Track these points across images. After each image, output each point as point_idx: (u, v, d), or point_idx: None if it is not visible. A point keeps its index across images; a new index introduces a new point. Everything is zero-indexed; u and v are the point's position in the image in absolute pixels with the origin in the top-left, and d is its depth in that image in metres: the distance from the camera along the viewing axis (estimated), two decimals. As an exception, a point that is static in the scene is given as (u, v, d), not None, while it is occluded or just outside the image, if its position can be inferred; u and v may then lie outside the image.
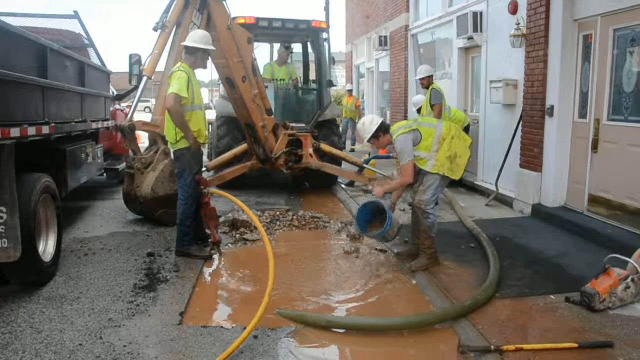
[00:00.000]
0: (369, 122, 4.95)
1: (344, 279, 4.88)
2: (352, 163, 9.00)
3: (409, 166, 4.81)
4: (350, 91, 16.29)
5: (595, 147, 6.06)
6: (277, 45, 10.64)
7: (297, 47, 10.78)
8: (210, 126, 9.28)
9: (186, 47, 5.23)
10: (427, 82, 7.69)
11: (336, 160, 8.88)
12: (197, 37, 5.23)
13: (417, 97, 8.55)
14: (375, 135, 4.91)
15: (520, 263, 5.06)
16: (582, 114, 6.35)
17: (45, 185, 4.51)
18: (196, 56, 5.23)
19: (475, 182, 8.78)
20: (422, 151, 4.84)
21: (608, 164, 5.90)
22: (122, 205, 6.86)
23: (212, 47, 5.38)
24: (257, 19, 8.49)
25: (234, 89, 7.11)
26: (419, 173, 4.99)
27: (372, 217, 5.21)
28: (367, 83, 17.42)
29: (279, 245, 5.84)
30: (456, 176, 4.94)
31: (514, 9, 7.48)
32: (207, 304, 4.33)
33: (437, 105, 7.42)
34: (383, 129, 4.92)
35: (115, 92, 8.90)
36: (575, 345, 3.38)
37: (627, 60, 5.66)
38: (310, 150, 8.38)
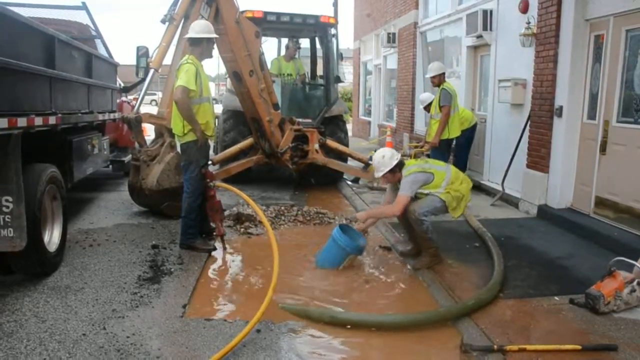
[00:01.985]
0: (389, 157, 4.89)
1: (348, 275, 4.87)
2: (358, 160, 8.98)
3: (405, 200, 4.78)
4: None
5: (603, 149, 6.01)
6: (285, 40, 10.62)
7: (305, 42, 10.75)
8: (216, 120, 9.28)
9: (190, 39, 5.23)
10: (438, 81, 7.41)
11: (342, 157, 8.87)
12: (199, 28, 5.23)
13: (425, 95, 8.48)
14: (392, 171, 4.88)
15: (525, 264, 5.04)
16: (591, 116, 6.30)
17: (51, 176, 4.52)
18: (201, 47, 5.24)
19: (481, 182, 8.74)
20: (432, 189, 4.87)
21: (616, 166, 5.86)
22: (127, 197, 6.88)
23: (215, 35, 5.38)
24: (266, 13, 8.48)
25: (241, 83, 7.11)
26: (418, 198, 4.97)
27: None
28: (375, 80, 17.37)
29: (283, 240, 5.83)
30: (455, 215, 4.97)
31: (524, 8, 7.41)
32: (211, 297, 4.32)
33: (445, 107, 7.24)
34: (400, 165, 4.91)
35: (122, 84, 8.91)
36: (579, 347, 3.36)
37: (638, 62, 5.60)
38: (316, 146, 8.37)
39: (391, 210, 4.95)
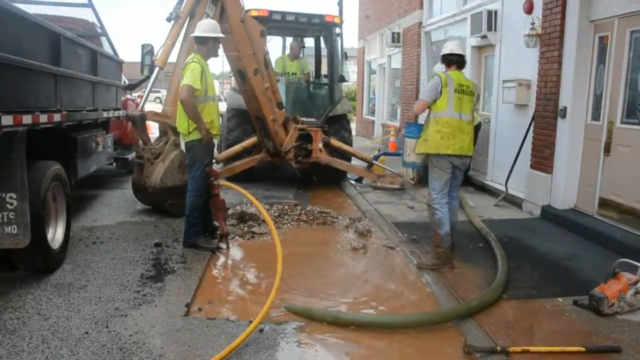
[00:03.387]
0: (450, 48, 5.04)
1: (351, 275, 4.87)
2: (362, 159, 8.97)
3: (420, 102, 4.95)
4: None
5: (607, 150, 5.99)
6: (289, 39, 10.62)
7: (309, 42, 10.75)
8: (220, 118, 9.29)
9: (197, 37, 5.24)
10: None
11: (346, 156, 8.87)
12: (206, 27, 5.24)
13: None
14: (446, 62, 5.04)
15: (529, 265, 5.03)
16: (596, 116, 6.28)
17: (55, 173, 4.53)
18: (208, 46, 5.26)
19: (485, 182, 8.73)
20: (432, 110, 4.94)
21: (620, 167, 5.84)
22: (131, 195, 6.89)
23: (222, 35, 5.38)
24: (271, 12, 8.47)
25: (246, 81, 7.12)
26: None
27: None
28: (379, 79, 17.35)
29: (287, 239, 5.83)
30: (417, 149, 5.10)
31: (529, 9, 7.39)
32: (214, 296, 4.32)
33: None
34: (455, 61, 5.01)
35: (127, 82, 8.92)
36: (583, 349, 3.35)
37: (643, 63, 5.59)
38: (320, 145, 8.37)
39: (415, 109, 5.16)
